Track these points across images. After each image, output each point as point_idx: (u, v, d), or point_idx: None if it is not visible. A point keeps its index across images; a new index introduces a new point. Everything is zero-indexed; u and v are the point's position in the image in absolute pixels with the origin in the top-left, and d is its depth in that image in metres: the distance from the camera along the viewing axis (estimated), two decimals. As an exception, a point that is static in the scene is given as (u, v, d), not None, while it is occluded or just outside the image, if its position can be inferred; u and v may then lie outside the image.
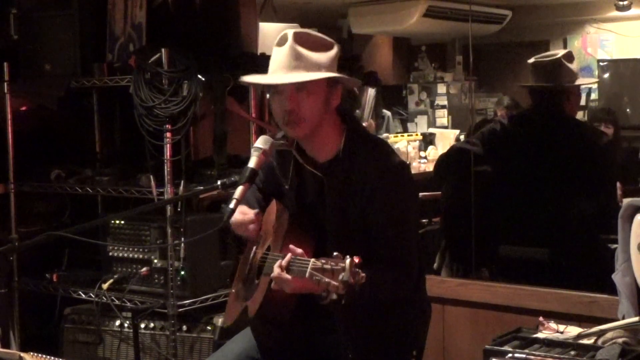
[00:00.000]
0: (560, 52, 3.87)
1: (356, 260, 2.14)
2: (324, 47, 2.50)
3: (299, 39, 2.47)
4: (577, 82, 3.89)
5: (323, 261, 2.17)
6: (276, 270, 2.34)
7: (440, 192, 4.65)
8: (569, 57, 3.85)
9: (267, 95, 2.64)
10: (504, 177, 3.97)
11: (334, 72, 2.48)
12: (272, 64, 2.51)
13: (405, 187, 2.54)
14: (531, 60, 3.87)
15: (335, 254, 2.18)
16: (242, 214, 2.59)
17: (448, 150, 4.56)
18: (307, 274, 2.18)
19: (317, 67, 2.46)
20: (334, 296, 2.14)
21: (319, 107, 2.47)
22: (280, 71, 2.47)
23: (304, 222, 2.58)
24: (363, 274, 2.14)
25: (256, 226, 2.59)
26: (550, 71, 3.80)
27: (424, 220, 4.96)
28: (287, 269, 2.32)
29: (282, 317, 2.50)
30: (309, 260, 2.21)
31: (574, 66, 3.85)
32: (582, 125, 4.49)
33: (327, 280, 2.13)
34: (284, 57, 2.47)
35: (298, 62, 2.45)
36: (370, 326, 2.53)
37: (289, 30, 2.50)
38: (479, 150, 3.96)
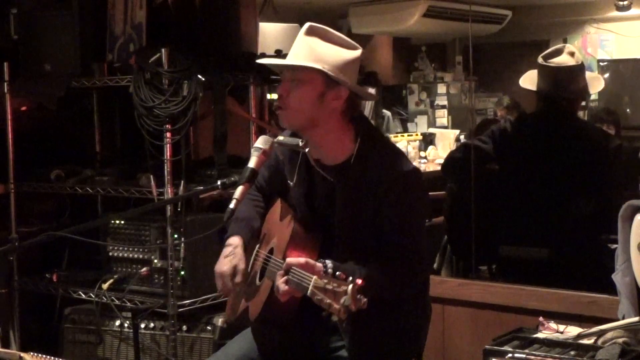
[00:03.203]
0: (573, 55, 3.74)
1: (359, 282, 2.14)
2: (339, 44, 2.49)
3: (311, 30, 2.49)
4: (592, 91, 3.87)
5: (325, 280, 2.17)
6: (282, 287, 2.34)
7: (444, 192, 4.65)
8: (581, 61, 3.78)
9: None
10: (508, 176, 3.96)
11: (339, 73, 2.45)
12: None
13: (416, 193, 2.54)
14: (541, 61, 3.78)
15: (337, 273, 2.18)
16: (230, 275, 2.56)
17: (458, 147, 4.55)
18: (308, 292, 2.19)
19: (318, 60, 2.44)
20: (335, 318, 2.15)
21: (307, 101, 2.45)
22: (288, 58, 2.51)
23: (310, 225, 2.57)
24: (365, 299, 2.14)
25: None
26: (564, 79, 3.74)
27: (424, 220, 4.96)
28: (289, 280, 2.32)
29: (284, 320, 2.49)
30: (312, 277, 2.20)
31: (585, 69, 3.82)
32: (591, 127, 4.47)
33: (328, 301, 2.14)
34: (295, 45, 2.51)
35: (302, 51, 2.47)
36: (373, 328, 2.52)
37: (309, 23, 2.52)
38: (490, 149, 3.95)
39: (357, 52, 2.51)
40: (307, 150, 2.53)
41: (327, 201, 2.56)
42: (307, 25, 2.50)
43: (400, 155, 2.59)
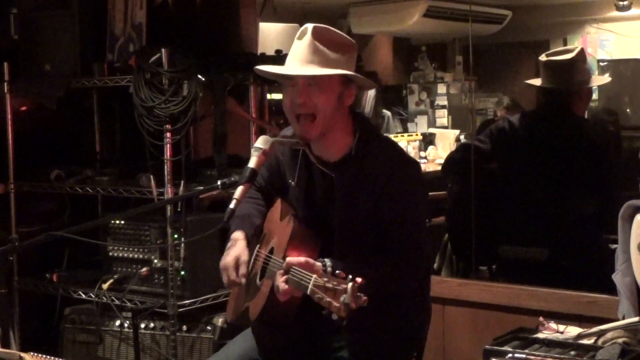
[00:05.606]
0: (574, 51, 3.75)
1: (358, 281, 2.14)
2: (343, 45, 2.50)
3: (317, 34, 2.47)
4: (593, 83, 3.86)
5: (325, 279, 2.17)
6: (281, 286, 2.34)
7: (444, 192, 4.65)
8: (583, 55, 3.79)
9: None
10: (508, 176, 3.96)
11: (349, 71, 2.48)
12: (289, 56, 2.52)
13: (416, 184, 2.56)
14: (543, 58, 3.77)
15: (337, 272, 2.19)
16: (234, 264, 2.55)
17: (456, 147, 4.55)
18: (308, 291, 2.20)
19: (333, 63, 2.46)
20: (335, 317, 2.15)
21: (330, 104, 2.46)
22: (295, 63, 2.48)
23: (311, 222, 2.58)
24: (365, 298, 2.14)
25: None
26: (564, 72, 3.74)
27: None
28: (289, 279, 2.32)
29: (284, 320, 2.50)
30: (312, 276, 2.21)
31: (587, 65, 3.80)
32: (590, 125, 4.45)
33: (328, 299, 2.14)
34: (302, 50, 2.48)
35: (314, 56, 2.45)
36: (373, 327, 2.53)
37: (310, 24, 2.50)
38: (488, 148, 3.95)
39: (356, 48, 2.54)
40: (305, 147, 2.55)
41: (326, 198, 2.57)
42: (310, 27, 2.49)
43: (398, 148, 2.62)
